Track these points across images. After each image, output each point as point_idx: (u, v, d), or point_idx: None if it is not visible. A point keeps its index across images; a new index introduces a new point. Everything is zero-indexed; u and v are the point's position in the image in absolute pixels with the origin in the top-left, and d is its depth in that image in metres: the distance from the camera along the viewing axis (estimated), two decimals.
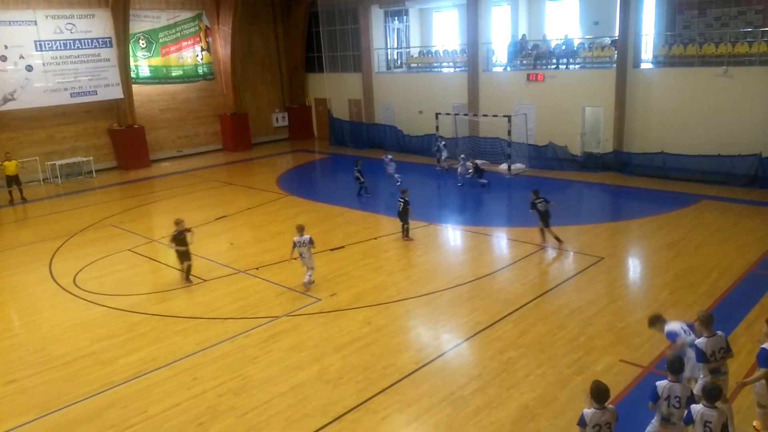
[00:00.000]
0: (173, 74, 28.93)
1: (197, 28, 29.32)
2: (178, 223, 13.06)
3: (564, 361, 9.03)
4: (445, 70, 27.90)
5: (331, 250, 14.42)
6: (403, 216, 15.17)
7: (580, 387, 8.13)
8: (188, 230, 13.07)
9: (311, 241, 12.16)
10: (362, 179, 20.06)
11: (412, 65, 29.60)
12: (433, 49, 29.37)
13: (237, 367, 9.37)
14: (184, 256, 13.04)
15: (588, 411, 5.86)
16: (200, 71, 29.79)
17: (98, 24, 25.67)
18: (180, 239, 12.87)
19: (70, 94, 25.28)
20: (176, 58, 28.85)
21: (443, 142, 23.67)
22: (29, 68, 24.21)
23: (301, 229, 12.15)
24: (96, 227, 18.01)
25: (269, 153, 29.88)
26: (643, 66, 21.44)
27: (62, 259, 15.22)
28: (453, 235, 16.21)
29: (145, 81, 27.95)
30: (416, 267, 13.41)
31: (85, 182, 24.84)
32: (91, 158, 25.91)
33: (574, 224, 15.70)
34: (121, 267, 14.44)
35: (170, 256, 15.29)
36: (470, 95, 25.13)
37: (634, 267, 13.63)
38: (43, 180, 24.86)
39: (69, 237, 16.99)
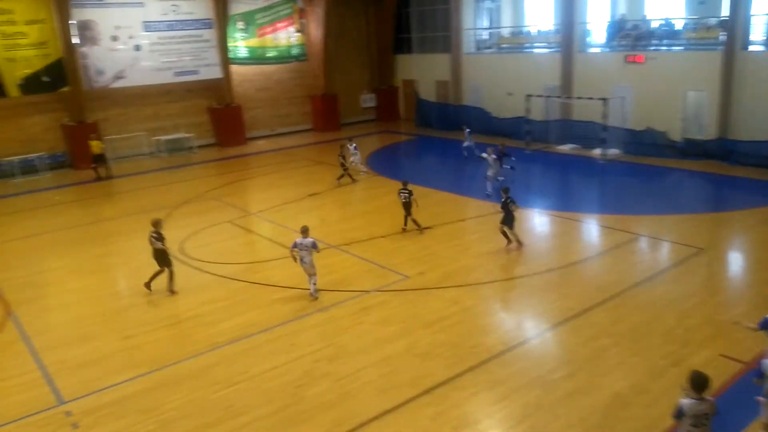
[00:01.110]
0: (268, 55, 29.92)
1: (291, 10, 30.11)
2: (155, 223, 12.02)
3: (659, 352, 8.84)
4: (536, 50, 27.24)
5: (419, 230, 14.63)
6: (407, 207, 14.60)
7: (675, 379, 7.94)
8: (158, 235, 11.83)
9: (314, 245, 11.03)
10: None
11: (503, 45, 29.08)
12: (526, 29, 28.71)
13: (330, 336, 9.82)
14: (161, 259, 11.84)
15: (685, 401, 5.69)
16: (293, 52, 30.62)
17: (200, 6, 26.94)
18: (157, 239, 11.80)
19: (174, 73, 26.77)
20: (271, 39, 29.80)
21: (468, 129, 23.13)
22: (137, 48, 25.80)
23: (305, 231, 11.09)
24: (198, 200, 19.13)
25: (357, 133, 30.33)
26: (753, 48, 20.06)
27: (169, 227, 16.26)
28: (541, 220, 16.00)
29: (243, 61, 29.08)
30: (504, 251, 13.39)
31: (187, 157, 26.33)
32: (193, 135, 27.40)
33: (673, 214, 15.10)
34: (222, 237, 15.33)
35: (265, 229, 16.06)
36: (563, 77, 24.44)
37: (735, 260, 13.00)
38: (150, 154, 26.54)
39: (174, 208, 18.16)
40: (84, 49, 24.45)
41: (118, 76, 25.48)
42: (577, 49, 24.20)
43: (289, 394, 8.29)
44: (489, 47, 29.85)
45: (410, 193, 14.46)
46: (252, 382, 8.61)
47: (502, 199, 13.03)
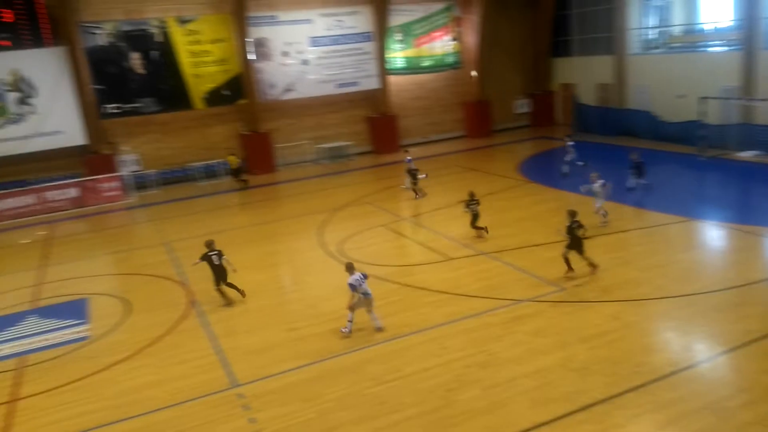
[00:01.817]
0: (423, 64, 30.53)
1: (448, 18, 30.47)
2: (208, 244, 12.32)
3: None
4: (712, 49, 24.88)
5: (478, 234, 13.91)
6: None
7: None
8: (216, 252, 12.15)
9: (365, 277, 10.56)
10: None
11: (673, 45, 26.95)
12: (700, 26, 26.36)
13: (482, 343, 9.78)
14: (219, 274, 12.24)
15: None
16: (448, 61, 30.95)
17: (362, 20, 28.26)
18: (210, 259, 12.13)
19: (336, 84, 28.33)
20: (427, 48, 30.38)
21: (571, 143, 21.39)
22: (305, 62, 27.68)
23: (351, 268, 10.57)
24: (355, 204, 20.06)
25: (510, 140, 29.94)
26: None
27: (329, 230, 17.30)
28: (717, 233, 14.59)
29: (399, 72, 29.97)
30: (674, 264, 12.39)
31: (345, 164, 27.71)
32: (351, 143, 28.79)
33: None
34: (377, 240, 15.93)
35: (417, 234, 16.39)
36: (744, 76, 22.09)
37: None
38: (313, 161, 28.33)
39: (334, 211, 19.21)
40: (259, 64, 26.77)
41: (288, 89, 27.53)
42: (762, 46, 21.73)
43: (439, 397, 8.40)
44: (657, 47, 27.84)
45: (477, 202, 14.93)
46: (404, 381, 8.84)
47: (567, 224, 12.00)
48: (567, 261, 12.12)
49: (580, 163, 20.45)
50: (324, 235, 16.74)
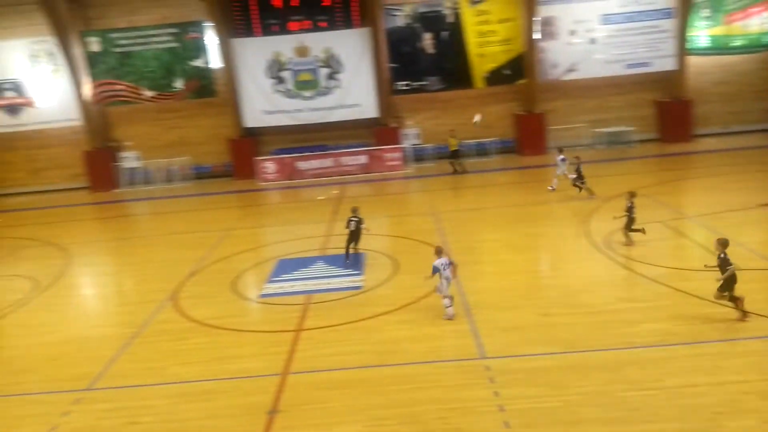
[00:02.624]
0: (733, 44, 26.58)
1: None
2: (353, 210, 14.49)
3: None
4: None
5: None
6: None
7: None
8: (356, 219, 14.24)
9: (450, 264, 10.89)
10: None
11: None
12: None
13: (766, 369, 8.41)
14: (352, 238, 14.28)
15: None
16: (765, 41, 26.41)
17: None
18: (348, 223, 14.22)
19: (625, 65, 26.41)
20: (740, 26, 26.33)
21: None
22: (592, 41, 26.33)
23: (440, 252, 10.94)
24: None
25: None
26: None
27: (597, 219, 16.47)
28: None
29: (701, 52, 26.63)
30: None
31: (624, 151, 25.87)
32: (634, 128, 26.70)
33: None
34: (651, 237, 14.60)
35: (701, 235, 14.66)
36: None
37: None
38: (587, 145, 27.05)
39: (606, 200, 18.15)
40: (543, 43, 26.32)
41: (570, 69, 26.61)
42: None
43: (705, 418, 7.50)
44: None
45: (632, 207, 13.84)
46: (664, 393, 8.09)
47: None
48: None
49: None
50: (590, 224, 15.99)
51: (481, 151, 26.98)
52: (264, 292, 13.30)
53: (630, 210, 13.84)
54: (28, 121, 27.22)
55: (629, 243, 13.93)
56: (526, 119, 26.69)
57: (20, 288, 14.94)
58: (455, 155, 24.77)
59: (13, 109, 27.05)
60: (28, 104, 27.01)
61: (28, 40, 26.31)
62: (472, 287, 12.45)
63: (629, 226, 13.94)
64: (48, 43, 26.06)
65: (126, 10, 26.55)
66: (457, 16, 26.29)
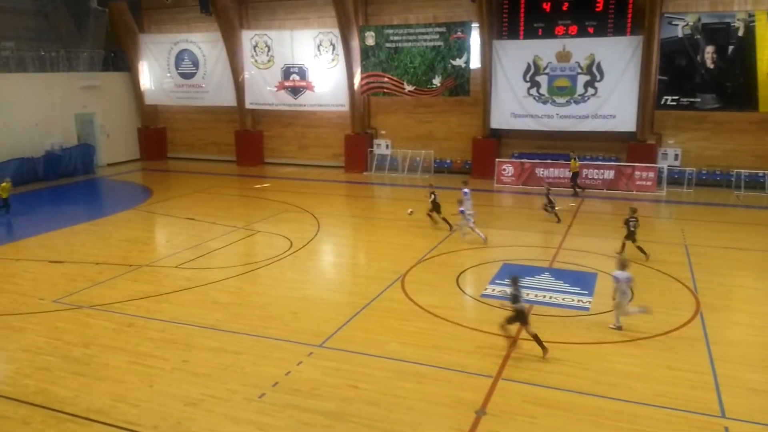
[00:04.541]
0: None
1: None
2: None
3: None
4: None
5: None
6: None
7: None
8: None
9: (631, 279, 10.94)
10: None
11: None
12: None
13: None
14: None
15: None
16: None
17: None
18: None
19: None
20: None
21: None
22: None
23: (623, 264, 11.01)
24: None
25: None
26: None
27: None
28: None
29: None
30: None
31: None
32: None
33: None
34: None
35: None
36: None
37: None
38: None
39: None
40: None
41: None
42: None
43: None
44: None
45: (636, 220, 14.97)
46: None
47: None
48: None
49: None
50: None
51: (755, 183, 23.50)
52: (485, 292, 13.36)
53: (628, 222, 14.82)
54: (305, 102, 30.97)
55: None
56: None
57: (278, 245, 17.18)
58: (574, 178, 24.05)
59: (295, 91, 30.98)
60: (309, 88, 30.67)
61: (316, 31, 29.83)
62: (720, 337, 10.99)
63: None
64: (331, 34, 29.25)
65: (402, 8, 28.51)
66: (748, 29, 23.04)
